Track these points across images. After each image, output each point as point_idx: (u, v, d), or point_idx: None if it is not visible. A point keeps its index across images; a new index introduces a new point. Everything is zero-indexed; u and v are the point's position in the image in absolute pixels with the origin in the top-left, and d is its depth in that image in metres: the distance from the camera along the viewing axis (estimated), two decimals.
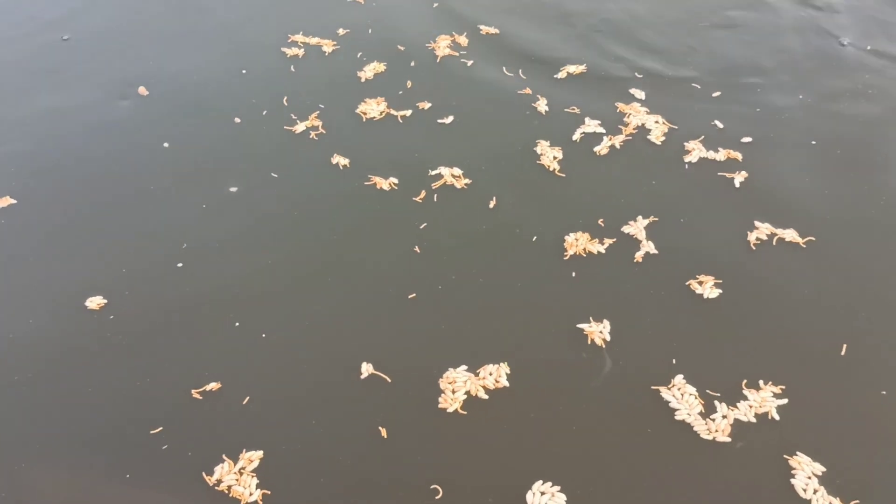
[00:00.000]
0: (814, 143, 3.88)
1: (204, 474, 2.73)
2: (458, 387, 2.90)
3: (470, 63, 4.42)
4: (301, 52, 4.58)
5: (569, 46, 4.65)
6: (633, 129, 4.00)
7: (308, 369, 3.00)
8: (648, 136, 3.97)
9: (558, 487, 2.63)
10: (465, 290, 3.25)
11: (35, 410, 2.89)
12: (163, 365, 3.03)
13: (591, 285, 3.26)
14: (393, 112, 4.07)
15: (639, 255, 3.38)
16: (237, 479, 2.70)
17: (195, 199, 3.67)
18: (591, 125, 4.05)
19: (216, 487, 2.68)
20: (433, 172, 3.80)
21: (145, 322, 3.17)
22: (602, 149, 3.87)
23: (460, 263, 3.35)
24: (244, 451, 2.76)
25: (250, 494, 2.64)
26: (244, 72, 4.40)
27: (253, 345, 3.08)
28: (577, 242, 3.36)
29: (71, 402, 2.91)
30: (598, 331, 3.05)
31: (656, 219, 3.54)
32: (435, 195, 3.63)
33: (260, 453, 2.75)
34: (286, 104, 4.13)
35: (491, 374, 2.95)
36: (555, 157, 3.88)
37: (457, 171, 3.81)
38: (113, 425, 2.84)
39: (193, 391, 2.92)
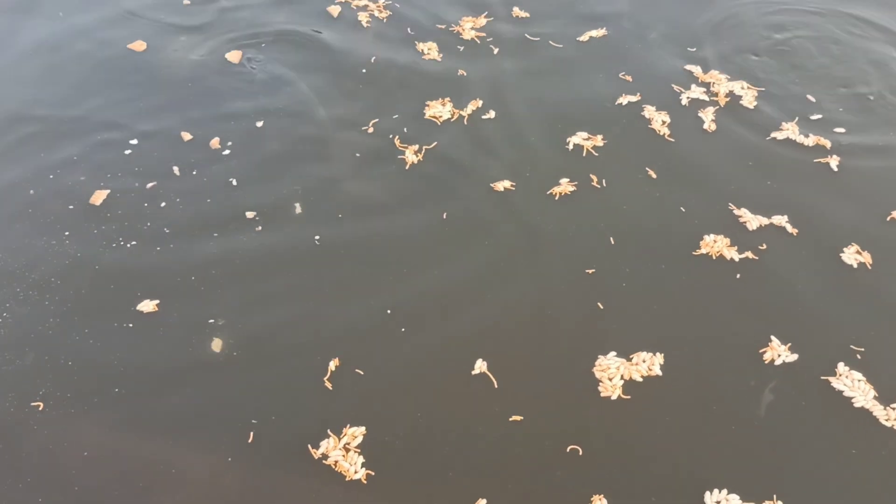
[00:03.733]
0: None
1: (309, 447, 2.43)
2: (612, 374, 2.67)
3: (496, 50, 4.09)
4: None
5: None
6: (725, 96, 3.81)
7: (431, 357, 2.72)
8: (741, 102, 3.78)
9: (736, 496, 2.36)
10: (615, 276, 2.99)
11: (151, 392, 2.62)
12: (281, 335, 2.77)
13: (751, 278, 2.99)
14: (462, 113, 3.70)
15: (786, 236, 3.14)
16: (343, 455, 2.38)
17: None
18: (697, 91, 3.84)
19: (323, 461, 2.42)
20: (570, 146, 3.52)
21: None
22: (709, 125, 3.66)
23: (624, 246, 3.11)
24: (347, 426, 2.49)
25: (355, 472, 2.39)
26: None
27: (378, 324, 2.81)
28: (715, 245, 3.10)
29: (179, 378, 2.65)
30: (779, 353, 2.73)
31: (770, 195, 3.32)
32: (604, 180, 3.33)
33: (363, 429, 2.50)
34: (372, 129, 3.63)
35: (644, 362, 2.71)
36: (664, 122, 3.65)
37: (583, 133, 3.57)
38: (219, 399, 2.58)
39: (324, 379, 2.63)
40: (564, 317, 2.84)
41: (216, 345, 2.71)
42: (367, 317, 2.82)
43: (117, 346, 2.69)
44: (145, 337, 2.73)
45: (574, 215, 3.21)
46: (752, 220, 3.18)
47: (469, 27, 4.21)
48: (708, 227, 3.16)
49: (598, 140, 3.54)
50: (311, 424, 2.50)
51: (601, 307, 2.85)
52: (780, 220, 3.18)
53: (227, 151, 3.44)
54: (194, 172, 3.34)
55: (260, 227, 3.13)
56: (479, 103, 3.72)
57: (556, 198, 3.29)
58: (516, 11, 4.34)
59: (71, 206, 3.17)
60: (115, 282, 2.90)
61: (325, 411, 2.53)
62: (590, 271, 2.97)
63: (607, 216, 3.20)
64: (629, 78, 3.90)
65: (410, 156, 3.45)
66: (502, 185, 3.33)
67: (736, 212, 3.22)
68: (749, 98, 3.80)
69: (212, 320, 2.78)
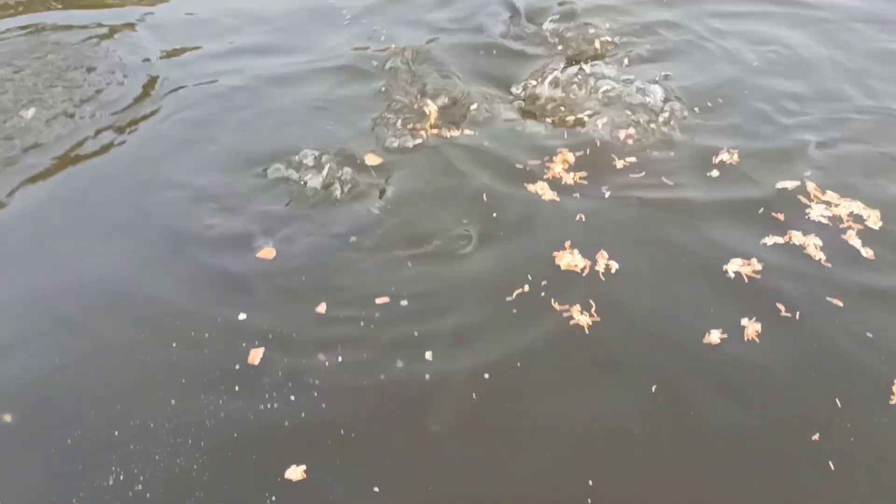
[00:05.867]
0: None
1: None
2: None
3: (608, 194, 3.87)
4: None
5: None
6: (848, 216, 3.66)
7: None
8: (867, 223, 3.63)
9: None
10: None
11: None
12: None
13: None
14: (597, 268, 3.45)
15: None
16: None
17: None
18: (820, 209, 3.70)
19: None
20: (730, 275, 3.36)
21: None
22: (866, 253, 3.46)
23: None
24: None
25: None
26: None
27: None
28: None
29: None
30: None
31: None
32: (797, 312, 3.14)
33: None
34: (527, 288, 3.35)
35: None
36: (817, 246, 3.48)
37: (738, 260, 3.42)
38: None
39: None
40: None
41: None
42: None
43: None
44: None
45: (781, 360, 2.97)
46: None
47: (561, 169, 4.06)
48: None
49: (755, 263, 3.36)
50: None
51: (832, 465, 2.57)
52: None
53: (404, 302, 3.24)
54: (361, 324, 3.14)
55: (428, 376, 2.86)
56: (605, 255, 3.53)
57: (757, 341, 3.04)
58: (619, 162, 4.19)
59: (237, 366, 2.95)
60: (262, 445, 2.61)
61: None
62: (815, 437, 2.68)
63: (811, 357, 2.98)
64: (781, 217, 3.70)
65: (579, 317, 3.15)
66: (716, 335, 3.06)
67: None
68: (874, 220, 3.65)
69: (376, 488, 2.41)
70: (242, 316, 3.18)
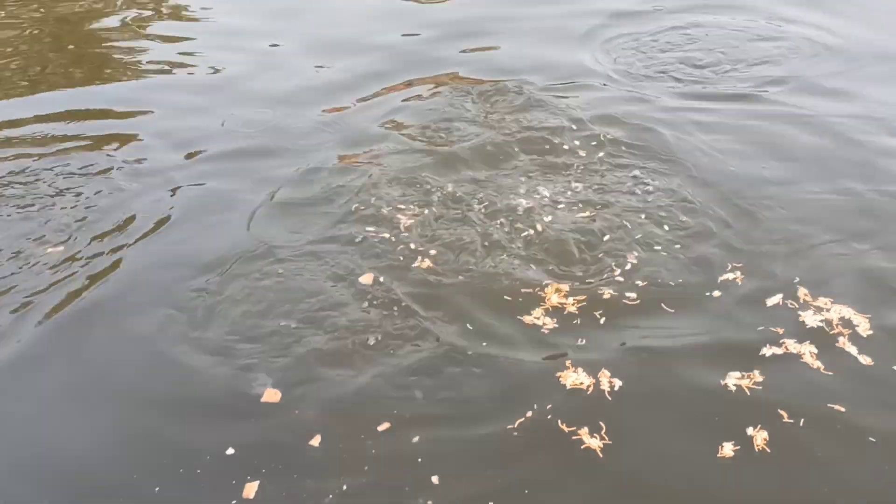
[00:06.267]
0: None
1: None
2: None
3: (602, 320, 3.81)
4: None
5: None
6: (838, 322, 3.64)
7: None
8: (857, 330, 3.60)
9: None
10: None
11: None
12: None
13: None
14: (603, 388, 3.40)
15: None
16: None
17: None
18: (814, 316, 3.69)
19: None
20: (731, 388, 3.33)
21: None
22: (863, 359, 3.46)
23: None
24: None
25: None
26: None
27: None
28: None
29: None
30: None
31: None
32: (802, 419, 3.11)
33: None
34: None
35: None
36: (812, 354, 3.48)
37: (736, 373, 3.37)
38: None
39: None
40: None
41: None
42: None
43: None
44: None
45: (794, 474, 2.92)
46: None
47: (556, 298, 3.96)
48: None
49: (757, 376, 3.34)
50: None
51: None
52: None
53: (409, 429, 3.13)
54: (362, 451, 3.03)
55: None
56: (608, 373, 3.47)
57: (769, 451, 2.99)
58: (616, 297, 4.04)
59: (233, 502, 2.82)
60: None
61: None
62: None
63: (822, 470, 2.93)
64: (779, 330, 3.67)
65: (589, 439, 3.08)
66: (729, 448, 3.03)
67: None
68: (864, 327, 3.64)
69: None
70: (230, 451, 3.06)
